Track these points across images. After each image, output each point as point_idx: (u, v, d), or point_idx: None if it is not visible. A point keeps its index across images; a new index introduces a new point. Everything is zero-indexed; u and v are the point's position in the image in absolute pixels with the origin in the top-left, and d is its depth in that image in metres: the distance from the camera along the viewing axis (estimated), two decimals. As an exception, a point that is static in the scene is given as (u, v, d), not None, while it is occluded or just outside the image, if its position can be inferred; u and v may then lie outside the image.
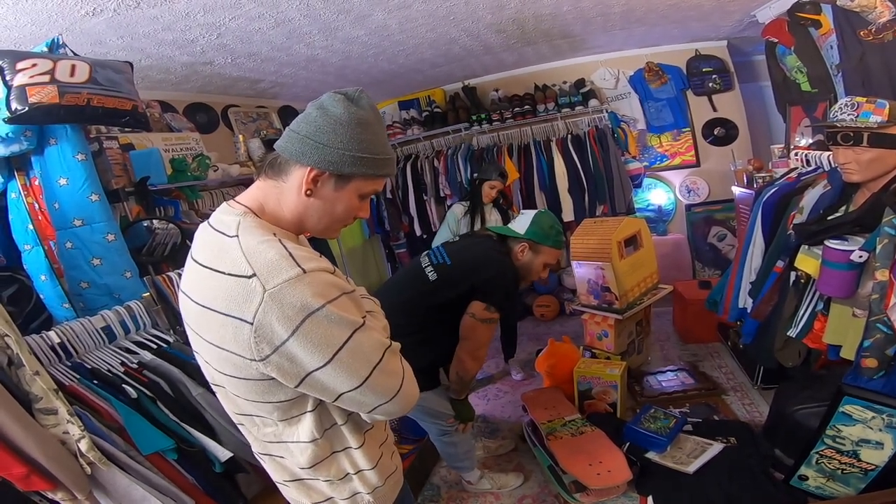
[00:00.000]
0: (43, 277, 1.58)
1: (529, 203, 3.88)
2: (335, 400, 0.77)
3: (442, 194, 4.05)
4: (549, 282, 4.25)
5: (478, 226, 2.94)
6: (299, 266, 0.71)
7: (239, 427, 0.91)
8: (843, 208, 1.55)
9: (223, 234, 0.76)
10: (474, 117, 4.00)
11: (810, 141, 2.78)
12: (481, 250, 1.81)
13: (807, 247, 1.60)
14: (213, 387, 0.89)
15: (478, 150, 4.00)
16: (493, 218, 2.99)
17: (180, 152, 2.30)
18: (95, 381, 1.30)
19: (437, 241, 3.04)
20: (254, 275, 0.69)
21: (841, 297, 1.49)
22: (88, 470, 1.11)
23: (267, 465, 0.93)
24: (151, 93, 2.55)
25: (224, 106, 3.21)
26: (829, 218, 1.54)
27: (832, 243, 1.44)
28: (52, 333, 1.28)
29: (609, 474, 1.89)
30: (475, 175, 3.20)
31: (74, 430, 1.10)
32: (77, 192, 1.52)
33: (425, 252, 1.91)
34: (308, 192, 0.80)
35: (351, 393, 0.75)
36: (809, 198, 1.78)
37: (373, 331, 0.78)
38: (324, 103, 0.80)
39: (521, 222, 1.84)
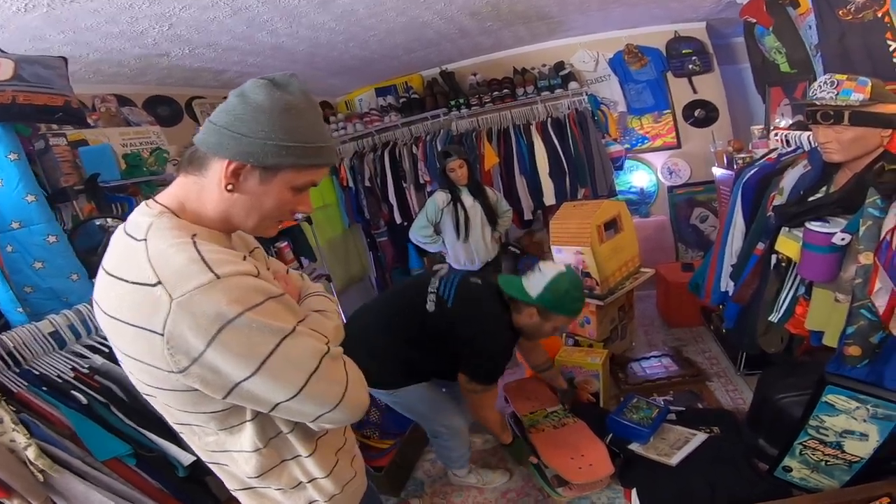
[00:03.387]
0: (-7, 282, 1.49)
1: (510, 188, 3.81)
2: (272, 410, 0.72)
3: (421, 181, 3.98)
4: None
5: (461, 217, 2.85)
6: (212, 271, 0.65)
7: (180, 435, 0.85)
8: (824, 189, 1.50)
9: (132, 237, 0.70)
10: (453, 102, 3.93)
11: (790, 122, 2.75)
12: (486, 314, 1.73)
13: (787, 229, 1.55)
14: (145, 396, 0.82)
15: (457, 135, 3.92)
16: (469, 203, 2.88)
17: (139, 147, 2.18)
18: (44, 388, 1.26)
19: (414, 230, 2.95)
20: (158, 282, 0.64)
21: (823, 281, 1.45)
22: (41, 477, 1.11)
23: (217, 473, 0.89)
24: (106, 87, 2.42)
25: (188, 98, 3.07)
26: (810, 199, 1.49)
27: (813, 225, 1.39)
28: (-3, 340, 1.23)
29: (591, 468, 1.86)
30: (438, 166, 3.11)
31: (20, 438, 1.11)
32: (12, 194, 1.42)
33: (443, 274, 1.84)
34: (229, 187, 0.74)
35: (287, 403, 0.70)
36: (789, 178, 1.73)
37: (306, 337, 0.73)
38: (244, 90, 0.73)
39: (537, 282, 1.72)
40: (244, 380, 0.67)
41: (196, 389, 0.69)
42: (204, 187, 0.75)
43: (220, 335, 0.63)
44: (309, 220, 3.10)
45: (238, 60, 2.64)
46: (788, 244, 1.55)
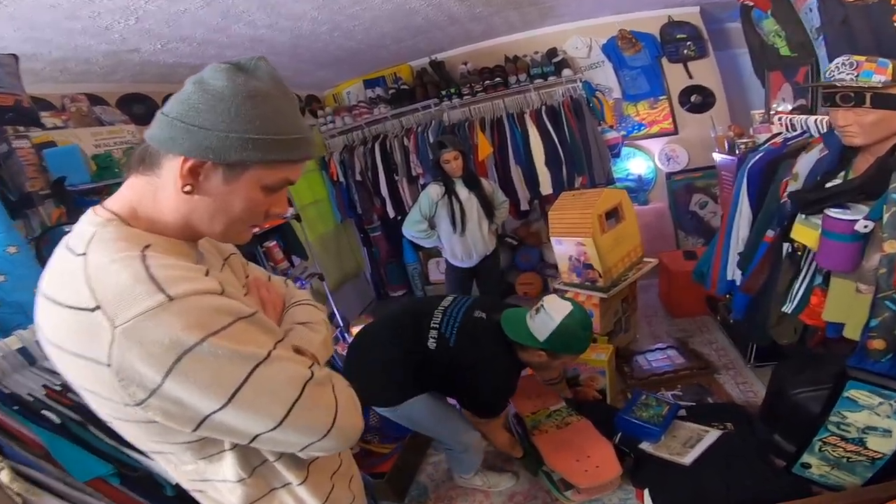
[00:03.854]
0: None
1: (505, 178, 3.71)
2: (251, 442, 0.63)
3: (414, 173, 3.89)
4: (530, 258, 4.15)
5: (457, 210, 2.74)
6: (162, 291, 0.55)
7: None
8: (842, 174, 1.41)
9: (71, 252, 0.60)
10: (444, 92, 3.82)
11: (791, 106, 2.68)
12: (487, 353, 1.66)
13: (803, 216, 1.47)
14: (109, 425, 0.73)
15: (449, 125, 3.81)
16: (465, 195, 2.76)
17: (113, 147, 2.06)
18: (16, 408, 1.20)
19: (407, 225, 2.83)
20: (97, 307, 0.54)
21: (843, 271, 1.37)
22: (19, 500, 1.08)
23: (201, 501, 0.79)
24: (76, 86, 2.28)
25: (165, 95, 2.91)
26: (828, 185, 1.41)
27: (833, 212, 1.31)
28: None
29: (597, 470, 1.79)
30: (431, 158, 2.99)
31: None
32: (-35, 205, 1.31)
33: (447, 305, 1.77)
34: (187, 189, 0.63)
35: (268, 434, 0.62)
36: (804, 163, 1.65)
37: (285, 362, 0.64)
38: (203, 76, 0.63)
39: (544, 326, 1.61)
40: (214, 412, 0.58)
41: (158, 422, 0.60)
42: (159, 189, 0.65)
43: (178, 365, 0.54)
44: (298, 217, 2.98)
45: (215, 54, 2.50)
46: (805, 232, 1.46)
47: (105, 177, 1.88)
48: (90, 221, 0.64)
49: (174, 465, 0.73)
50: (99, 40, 1.90)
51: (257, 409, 0.60)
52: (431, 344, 1.66)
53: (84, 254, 0.58)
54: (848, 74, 1.25)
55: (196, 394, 0.57)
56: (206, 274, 0.63)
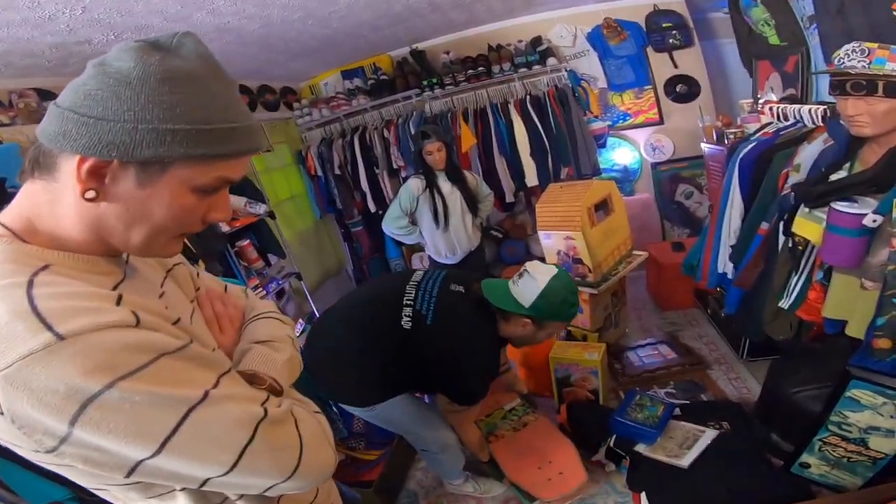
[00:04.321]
0: None
1: (490, 170, 3.63)
2: (202, 486, 0.55)
3: (395, 166, 3.77)
4: (516, 252, 4.08)
5: (439, 205, 2.63)
6: (49, 329, 0.45)
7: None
8: (847, 165, 1.36)
9: None
10: (425, 83, 3.68)
11: (780, 96, 2.64)
12: (467, 331, 1.52)
13: (806, 210, 1.41)
14: None
15: (431, 116, 3.70)
16: (447, 189, 2.64)
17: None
18: None
19: (387, 221, 2.71)
20: None
21: (849, 266, 1.32)
22: None
23: None
24: (24, 80, 2.09)
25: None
26: (833, 177, 1.35)
27: (840, 206, 1.26)
28: None
29: (561, 478, 1.69)
30: (413, 149, 2.86)
31: None
32: None
33: (419, 280, 1.61)
34: (90, 195, 0.52)
35: (220, 479, 0.54)
36: (807, 154, 1.59)
37: (229, 402, 0.54)
38: (106, 58, 0.51)
39: (528, 290, 1.50)
40: (146, 459, 0.49)
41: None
42: (57, 196, 0.54)
43: (83, 415, 0.45)
44: (272, 214, 2.84)
45: None
46: (808, 226, 1.41)
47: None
48: None
49: (121, 502, 0.63)
50: (43, 31, 1.72)
51: (199, 457, 0.52)
52: (406, 324, 1.49)
53: None
54: (860, 61, 1.18)
55: (117, 442, 0.47)
56: (118, 301, 0.52)
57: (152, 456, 0.49)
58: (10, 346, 0.44)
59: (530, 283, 1.50)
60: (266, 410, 0.57)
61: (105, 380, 0.46)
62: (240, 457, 0.53)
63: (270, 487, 0.58)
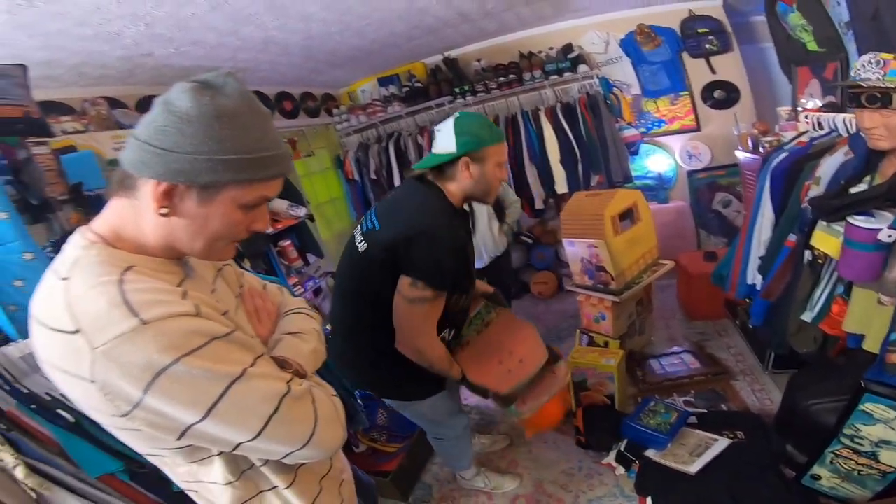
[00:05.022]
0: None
1: (520, 176, 3.68)
2: (234, 449, 0.68)
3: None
4: (545, 257, 4.09)
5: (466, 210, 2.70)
6: (136, 315, 0.58)
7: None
8: (867, 179, 1.34)
9: (56, 275, 0.63)
10: (457, 90, 3.78)
11: (820, 103, 2.56)
12: (411, 205, 1.44)
13: (825, 224, 1.40)
14: None
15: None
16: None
17: (130, 150, 2.10)
18: (33, 406, 1.24)
19: None
20: (77, 330, 0.58)
21: (865, 281, 1.30)
22: (33, 495, 1.12)
23: (196, 501, 0.84)
24: (95, 89, 2.34)
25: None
26: (852, 191, 1.33)
27: (856, 220, 1.25)
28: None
29: (521, 366, 1.55)
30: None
31: (7, 457, 1.11)
32: (-19, 214, 1.34)
33: (362, 220, 1.54)
34: (164, 211, 0.65)
35: (249, 443, 0.66)
36: (827, 166, 1.57)
37: (260, 380, 0.66)
38: (169, 97, 0.63)
39: (446, 138, 1.41)
40: (195, 423, 0.62)
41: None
42: (139, 211, 0.67)
43: (155, 383, 0.58)
44: (311, 217, 3.00)
45: (230, 57, 2.53)
46: (826, 240, 1.40)
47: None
48: (76, 244, 0.66)
49: (169, 468, 0.77)
50: (112, 46, 1.94)
51: (235, 423, 0.64)
52: (362, 246, 1.42)
53: (66, 278, 0.61)
54: (874, 73, 1.18)
55: (176, 408, 0.60)
56: (184, 296, 0.65)
57: (200, 421, 0.62)
58: (106, 328, 0.57)
59: (444, 131, 1.43)
60: (290, 388, 0.69)
61: (173, 356, 0.58)
62: (265, 425, 0.65)
63: (288, 454, 0.70)
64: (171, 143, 0.61)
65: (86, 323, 0.57)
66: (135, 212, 0.67)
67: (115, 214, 0.69)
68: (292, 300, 0.99)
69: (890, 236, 1.17)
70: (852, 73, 1.24)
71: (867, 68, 1.19)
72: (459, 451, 1.96)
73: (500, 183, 1.51)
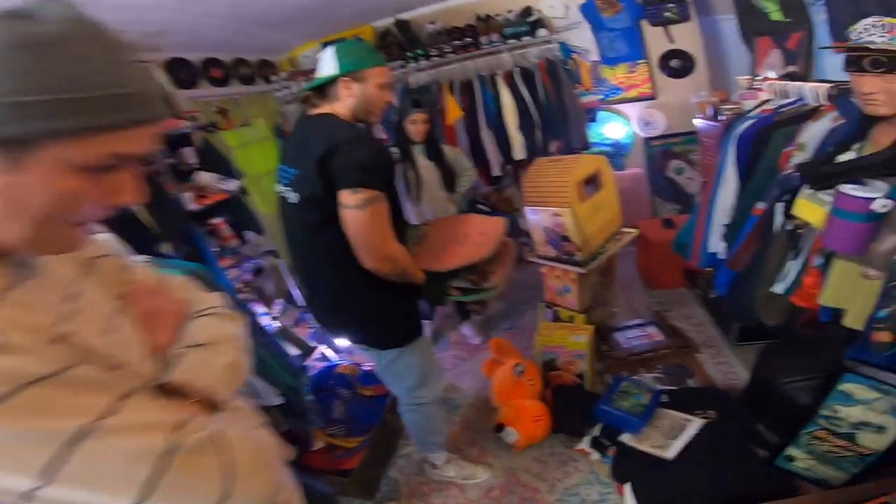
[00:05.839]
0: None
1: (476, 143, 3.53)
2: None
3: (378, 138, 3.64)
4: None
5: (411, 177, 2.57)
6: None
7: None
8: (857, 146, 1.27)
9: None
10: (409, 54, 3.53)
11: (781, 73, 2.53)
12: (315, 133, 1.43)
13: (810, 191, 1.33)
14: None
15: (415, 89, 3.54)
16: (423, 162, 2.58)
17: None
18: None
19: None
20: None
21: (852, 253, 1.24)
22: None
23: None
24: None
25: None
26: (840, 158, 1.26)
27: (848, 189, 1.17)
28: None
29: (485, 236, 1.58)
30: (396, 118, 2.74)
31: None
32: None
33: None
34: None
35: None
36: (813, 132, 1.50)
37: (122, 435, 0.47)
38: None
39: (326, 62, 1.47)
40: (35, 489, 0.43)
41: None
42: None
43: None
44: (244, 190, 2.71)
45: (136, 19, 2.12)
46: (810, 208, 1.32)
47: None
48: None
49: None
50: None
51: (95, 487, 0.46)
52: (294, 198, 1.44)
53: None
54: (881, 37, 1.09)
55: None
56: None
57: (40, 487, 0.43)
58: None
59: (325, 59, 1.48)
60: (176, 441, 0.50)
61: None
62: (145, 490, 0.47)
63: None
64: None
65: None
66: None
67: None
68: (204, 297, 0.78)
69: (885, 206, 1.10)
70: (853, 36, 1.15)
71: (872, 31, 1.11)
72: (437, 421, 1.87)
73: (386, 104, 1.56)
